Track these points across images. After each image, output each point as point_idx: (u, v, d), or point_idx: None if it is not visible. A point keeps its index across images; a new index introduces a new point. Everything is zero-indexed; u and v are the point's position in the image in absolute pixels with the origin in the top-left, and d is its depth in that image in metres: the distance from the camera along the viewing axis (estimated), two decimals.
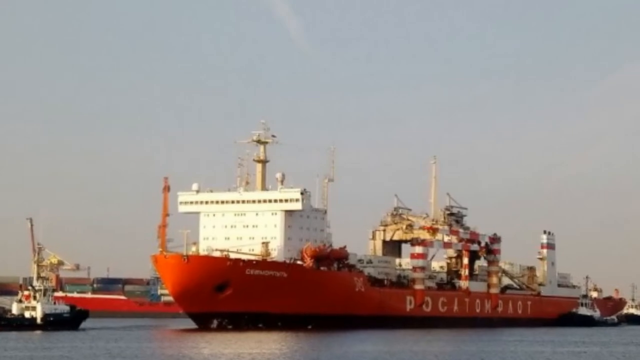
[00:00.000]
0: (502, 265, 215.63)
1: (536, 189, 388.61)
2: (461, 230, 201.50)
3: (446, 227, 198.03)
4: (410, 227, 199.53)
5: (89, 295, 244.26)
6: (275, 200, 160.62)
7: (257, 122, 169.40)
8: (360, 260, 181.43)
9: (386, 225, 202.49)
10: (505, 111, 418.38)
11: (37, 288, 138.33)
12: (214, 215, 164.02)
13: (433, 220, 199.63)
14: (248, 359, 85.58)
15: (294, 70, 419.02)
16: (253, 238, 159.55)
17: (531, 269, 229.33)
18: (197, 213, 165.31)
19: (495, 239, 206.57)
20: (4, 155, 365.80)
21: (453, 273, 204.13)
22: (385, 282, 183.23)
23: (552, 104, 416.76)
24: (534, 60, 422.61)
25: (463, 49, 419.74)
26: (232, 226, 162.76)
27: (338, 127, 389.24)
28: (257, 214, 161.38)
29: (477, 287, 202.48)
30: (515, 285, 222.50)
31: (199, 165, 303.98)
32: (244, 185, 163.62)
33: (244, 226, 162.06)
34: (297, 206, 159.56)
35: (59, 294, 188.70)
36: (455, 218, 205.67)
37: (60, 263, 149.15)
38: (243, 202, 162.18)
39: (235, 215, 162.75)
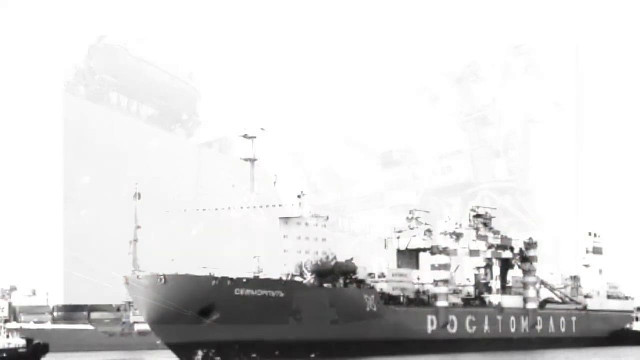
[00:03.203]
0: (541, 275, 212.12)
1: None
2: (490, 235, 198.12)
3: (472, 232, 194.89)
4: (429, 232, 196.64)
5: (48, 325, 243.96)
6: (268, 206, 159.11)
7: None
8: (371, 275, 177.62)
9: (400, 232, 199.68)
10: None
11: None
12: None
13: (456, 224, 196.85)
14: None
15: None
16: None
17: (575, 278, 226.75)
18: None
19: (531, 245, 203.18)
20: None
21: (482, 286, 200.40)
22: (402, 299, 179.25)
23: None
24: None
25: None
26: None
27: None
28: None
29: (512, 302, 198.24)
30: (556, 299, 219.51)
31: None
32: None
33: None
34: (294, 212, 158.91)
35: (13, 325, 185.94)
36: (482, 221, 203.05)
37: (13, 288, 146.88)
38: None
39: None
